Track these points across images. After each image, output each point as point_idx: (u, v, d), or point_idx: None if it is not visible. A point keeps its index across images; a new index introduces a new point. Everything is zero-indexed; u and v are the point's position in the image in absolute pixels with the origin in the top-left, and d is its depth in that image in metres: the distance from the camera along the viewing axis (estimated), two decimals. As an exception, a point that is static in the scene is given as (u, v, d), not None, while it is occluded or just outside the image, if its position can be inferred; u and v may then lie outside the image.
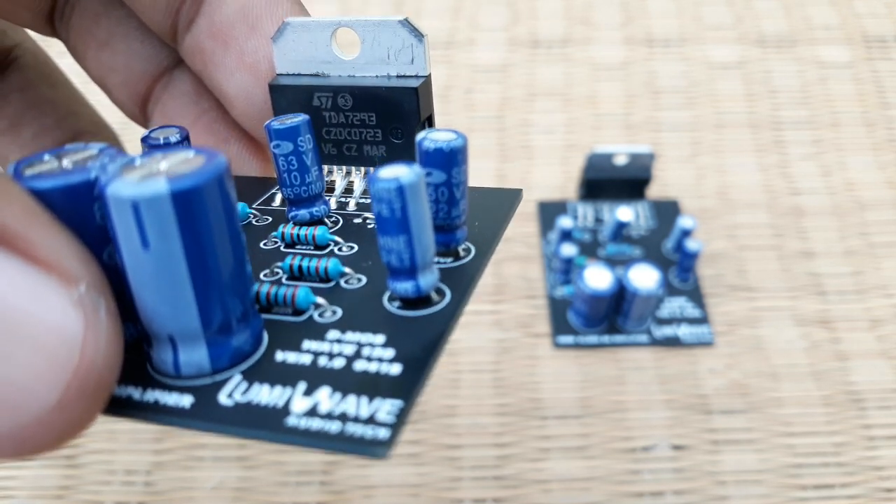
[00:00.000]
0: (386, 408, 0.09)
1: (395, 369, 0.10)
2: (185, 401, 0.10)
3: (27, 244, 0.08)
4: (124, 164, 0.09)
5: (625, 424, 0.23)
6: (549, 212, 0.29)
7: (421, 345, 0.10)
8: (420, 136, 0.11)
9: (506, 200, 0.13)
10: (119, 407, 0.10)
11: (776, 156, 0.31)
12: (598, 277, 0.23)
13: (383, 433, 0.09)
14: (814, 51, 0.35)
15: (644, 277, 0.23)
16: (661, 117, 0.32)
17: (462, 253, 0.12)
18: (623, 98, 0.33)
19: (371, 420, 0.09)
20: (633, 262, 0.26)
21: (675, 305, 0.26)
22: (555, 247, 0.27)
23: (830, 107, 0.32)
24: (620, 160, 0.28)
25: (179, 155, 0.10)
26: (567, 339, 0.25)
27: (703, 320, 0.25)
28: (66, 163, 0.10)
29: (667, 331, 0.25)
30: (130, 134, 0.22)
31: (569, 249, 0.25)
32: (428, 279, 0.11)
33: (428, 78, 0.13)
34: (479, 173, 0.30)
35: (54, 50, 0.18)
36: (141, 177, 0.09)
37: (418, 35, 0.13)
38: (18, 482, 0.22)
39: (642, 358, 0.25)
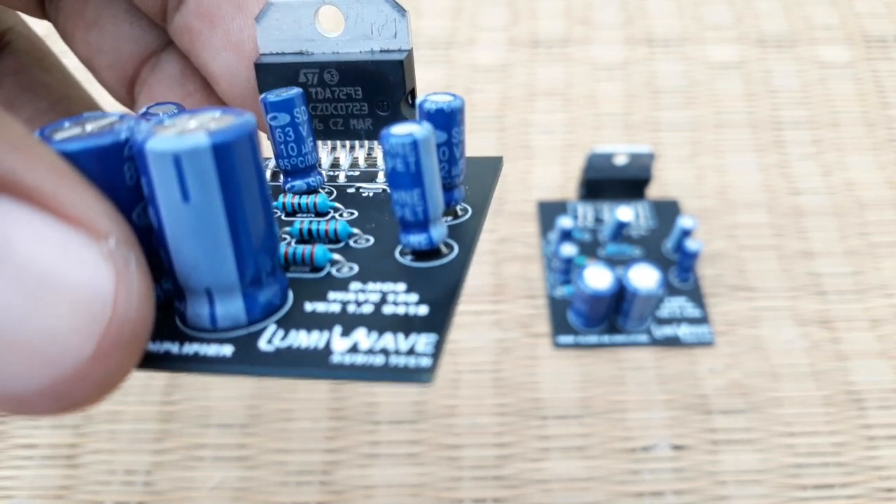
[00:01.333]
0: (423, 340, 0.10)
1: (423, 310, 0.10)
2: (226, 350, 0.10)
3: (55, 202, 0.09)
4: (155, 123, 0.10)
5: (625, 424, 0.23)
6: (549, 212, 0.29)
7: (441, 290, 0.11)
8: (420, 99, 0.12)
9: (489, 167, 0.14)
10: (159, 361, 0.10)
11: (776, 156, 0.31)
12: (598, 277, 0.23)
13: (426, 361, 0.09)
14: (814, 51, 0.35)
15: (644, 277, 0.23)
16: (661, 117, 0.32)
17: (460, 212, 0.12)
18: (623, 98, 0.33)
19: (412, 352, 0.09)
20: (633, 262, 0.26)
21: (675, 305, 0.26)
22: (555, 247, 0.27)
23: (830, 107, 0.32)
24: (620, 160, 0.28)
25: (207, 114, 0.10)
26: (567, 339, 0.25)
27: (703, 320, 0.25)
28: (90, 128, 0.10)
29: (667, 331, 0.25)
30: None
31: (569, 249, 0.25)
32: (439, 231, 0.11)
33: (411, 52, 0.14)
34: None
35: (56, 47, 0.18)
36: (177, 132, 0.09)
37: (401, 10, 0.13)
38: (18, 482, 0.22)
39: (642, 358, 0.25)
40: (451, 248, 0.11)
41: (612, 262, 0.27)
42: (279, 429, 0.23)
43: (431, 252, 0.11)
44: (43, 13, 0.16)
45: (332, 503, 0.22)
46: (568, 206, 0.29)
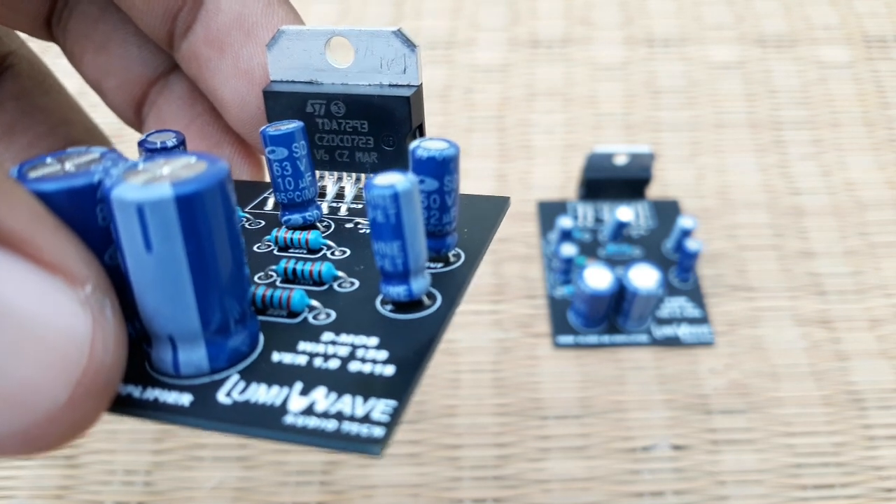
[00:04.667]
0: (380, 407, 0.09)
1: (389, 370, 0.10)
2: (185, 399, 0.10)
3: (33, 247, 0.09)
4: (127, 168, 0.10)
5: (625, 424, 0.23)
6: (549, 212, 0.29)
7: (413, 347, 0.10)
8: (413, 144, 0.11)
9: (494, 208, 0.13)
10: (120, 405, 0.10)
11: (776, 156, 0.31)
12: (598, 277, 0.23)
13: (378, 431, 0.09)
14: (814, 51, 0.35)
15: (644, 277, 0.23)
16: (661, 117, 0.32)
17: (452, 259, 0.12)
18: (623, 98, 0.33)
19: (366, 419, 0.09)
20: (633, 262, 0.26)
21: (675, 305, 0.26)
22: (555, 247, 0.27)
23: (830, 107, 0.32)
24: (620, 160, 0.28)
25: (181, 160, 0.10)
26: (567, 339, 0.25)
27: (703, 320, 0.25)
28: (69, 166, 0.10)
29: (667, 331, 0.25)
30: (123, 139, 0.22)
31: (569, 249, 0.25)
32: (420, 283, 0.11)
33: (420, 87, 0.13)
34: (479, 173, 0.30)
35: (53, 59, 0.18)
36: (145, 181, 0.09)
37: (411, 45, 0.13)
38: (18, 482, 0.22)
39: (642, 358, 0.25)
40: (434, 298, 0.11)
41: (612, 262, 0.27)
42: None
43: (412, 303, 0.11)
44: (49, 35, 0.16)
45: (332, 503, 0.22)
46: (568, 206, 0.29)
